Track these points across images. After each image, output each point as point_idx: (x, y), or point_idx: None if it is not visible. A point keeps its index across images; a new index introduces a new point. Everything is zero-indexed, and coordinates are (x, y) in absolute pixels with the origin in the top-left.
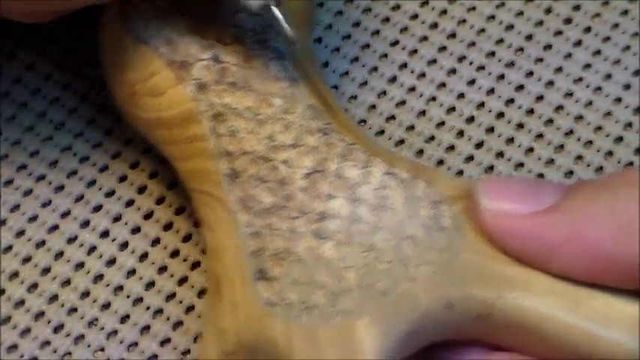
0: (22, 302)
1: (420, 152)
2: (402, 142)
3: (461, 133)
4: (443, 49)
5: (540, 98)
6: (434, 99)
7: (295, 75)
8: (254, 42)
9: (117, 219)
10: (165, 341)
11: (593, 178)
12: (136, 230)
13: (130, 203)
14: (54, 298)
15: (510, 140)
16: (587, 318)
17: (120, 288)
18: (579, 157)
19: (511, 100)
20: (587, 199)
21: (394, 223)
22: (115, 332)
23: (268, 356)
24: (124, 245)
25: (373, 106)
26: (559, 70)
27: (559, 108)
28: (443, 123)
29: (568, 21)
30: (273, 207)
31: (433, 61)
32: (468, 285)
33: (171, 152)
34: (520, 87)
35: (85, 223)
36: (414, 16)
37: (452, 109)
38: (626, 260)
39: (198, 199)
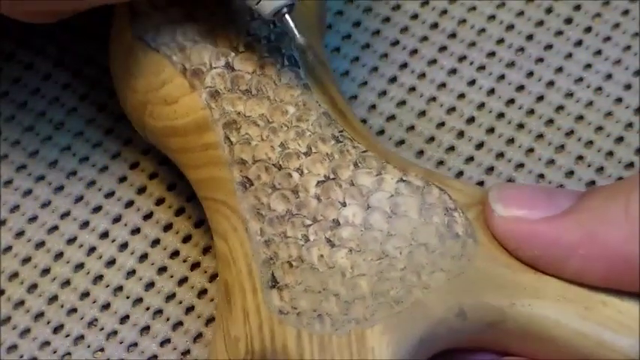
0: (21, 303)
1: (421, 153)
2: (402, 142)
3: (461, 134)
4: (443, 49)
5: (541, 98)
6: (434, 99)
7: (308, 82)
8: (267, 50)
9: (117, 220)
10: (165, 341)
11: (601, 184)
12: (136, 231)
13: (129, 204)
14: (54, 298)
15: (511, 141)
16: (599, 325)
17: (120, 288)
18: (580, 158)
19: (511, 101)
20: (602, 202)
21: (407, 231)
22: (115, 333)
23: None
24: (124, 246)
25: (373, 106)
26: (560, 70)
27: (560, 108)
28: (443, 123)
29: (569, 21)
30: (287, 214)
31: (433, 61)
32: (481, 293)
33: (185, 160)
34: (520, 87)
35: (85, 224)
36: (415, 16)
37: (452, 110)
38: (638, 262)
39: (211, 207)
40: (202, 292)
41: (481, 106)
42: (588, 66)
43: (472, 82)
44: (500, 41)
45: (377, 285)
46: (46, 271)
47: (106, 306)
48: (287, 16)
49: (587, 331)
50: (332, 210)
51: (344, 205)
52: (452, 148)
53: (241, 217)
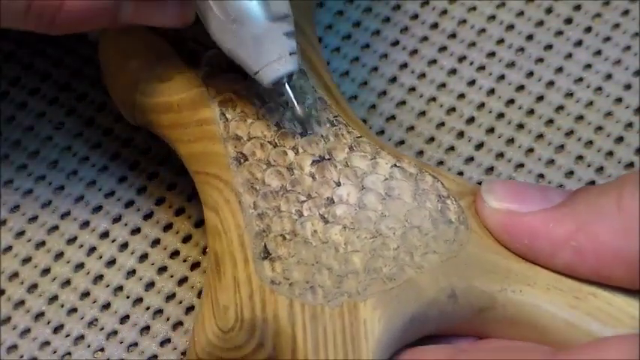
0: (22, 303)
1: (421, 153)
2: (402, 142)
3: (461, 134)
4: (443, 49)
5: (541, 98)
6: (434, 99)
7: (304, 68)
8: None
9: (117, 220)
10: (165, 341)
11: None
12: (136, 231)
13: (129, 204)
14: (54, 298)
15: (511, 141)
16: (588, 315)
17: (120, 288)
18: (580, 158)
19: (511, 101)
20: (594, 197)
21: (401, 213)
22: (115, 332)
23: (267, 333)
24: (124, 246)
25: (373, 106)
26: (560, 70)
27: (559, 108)
28: (443, 124)
29: (569, 21)
30: (281, 190)
31: (433, 62)
32: (473, 277)
33: (177, 136)
34: (520, 87)
35: (85, 224)
36: (415, 16)
37: (452, 110)
38: (629, 256)
39: (202, 180)
40: (202, 292)
41: (481, 106)
42: (588, 66)
43: (472, 83)
44: (501, 41)
45: (370, 262)
46: (46, 271)
47: (106, 306)
48: (287, 85)
49: (576, 321)
50: (326, 188)
51: (338, 184)
52: (452, 149)
53: (234, 190)
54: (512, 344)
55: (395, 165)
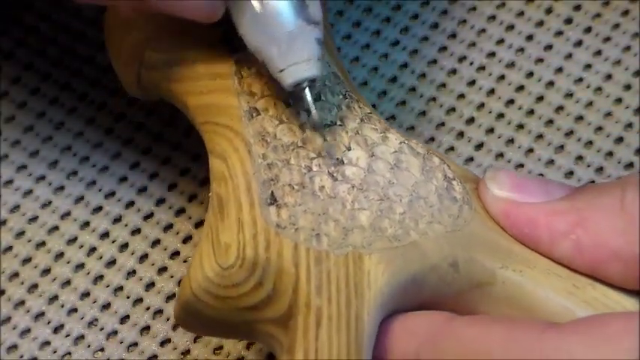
0: (22, 303)
1: None
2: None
3: (461, 134)
4: (443, 49)
5: (541, 99)
6: (434, 99)
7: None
8: None
9: (117, 220)
10: (165, 341)
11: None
12: (136, 231)
13: (130, 204)
14: (54, 298)
15: (510, 141)
16: (586, 304)
17: (120, 289)
18: (580, 158)
19: (511, 101)
20: (596, 195)
21: (409, 183)
22: (115, 332)
23: (268, 272)
24: (124, 246)
25: (373, 107)
26: (559, 70)
27: (559, 108)
28: (443, 124)
29: (569, 21)
30: (292, 145)
31: (433, 62)
32: (475, 251)
33: (187, 88)
34: (520, 87)
35: (85, 224)
36: (415, 17)
37: (452, 110)
38: (627, 256)
39: (212, 130)
40: None
41: (481, 106)
42: (588, 66)
43: (472, 83)
44: (500, 41)
45: (376, 220)
46: (46, 272)
47: (107, 306)
48: (307, 90)
49: (573, 307)
50: (337, 150)
51: (349, 149)
52: (452, 149)
53: (245, 140)
54: (509, 317)
55: (404, 142)
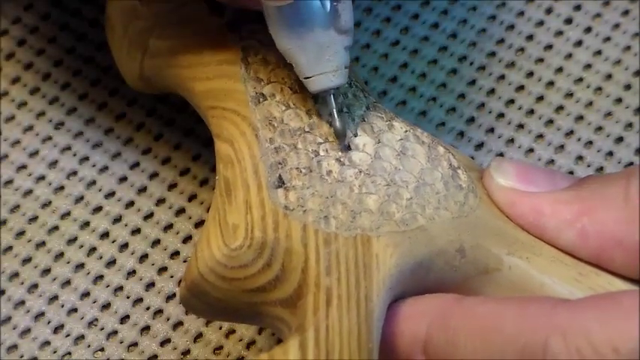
0: (22, 303)
1: None
2: None
3: (461, 134)
4: (443, 49)
5: (541, 99)
6: (434, 99)
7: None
8: None
9: (117, 220)
10: (165, 341)
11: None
12: (136, 231)
13: (130, 204)
14: (54, 298)
15: (510, 141)
16: (591, 291)
17: (120, 289)
18: (580, 158)
19: (511, 101)
20: (601, 185)
21: (415, 170)
22: (115, 332)
23: (277, 252)
24: (124, 246)
25: None
26: (559, 70)
27: (559, 108)
28: (443, 124)
29: (569, 21)
30: (299, 130)
31: (434, 62)
32: (482, 237)
33: (194, 73)
34: (520, 87)
35: (85, 224)
36: (415, 17)
37: (452, 110)
38: (631, 245)
39: (218, 115)
40: None
41: (481, 106)
42: (588, 66)
43: (472, 83)
44: (501, 41)
45: (384, 205)
46: (46, 272)
47: (107, 306)
48: (332, 97)
49: (579, 293)
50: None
51: (356, 135)
52: None
53: (252, 124)
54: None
55: (409, 131)
